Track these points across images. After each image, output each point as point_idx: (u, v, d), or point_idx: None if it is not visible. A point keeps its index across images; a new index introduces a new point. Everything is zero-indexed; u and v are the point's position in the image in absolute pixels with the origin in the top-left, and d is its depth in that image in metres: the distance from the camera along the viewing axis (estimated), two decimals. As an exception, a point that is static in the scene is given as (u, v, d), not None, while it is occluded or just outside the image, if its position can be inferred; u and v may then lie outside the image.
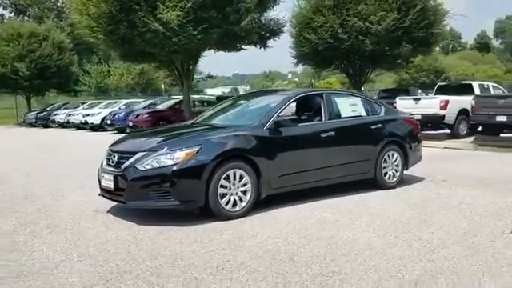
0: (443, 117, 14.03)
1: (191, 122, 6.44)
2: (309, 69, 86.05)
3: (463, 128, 14.42)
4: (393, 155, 6.35)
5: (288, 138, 5.30)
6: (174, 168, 4.54)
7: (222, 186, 4.72)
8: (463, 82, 17.71)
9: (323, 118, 5.81)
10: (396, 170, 6.40)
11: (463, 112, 14.12)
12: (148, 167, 4.62)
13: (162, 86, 42.73)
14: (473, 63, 60.00)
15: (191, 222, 4.65)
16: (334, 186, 5.85)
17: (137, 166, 4.67)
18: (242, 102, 6.49)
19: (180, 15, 12.91)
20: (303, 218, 4.84)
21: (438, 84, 17.21)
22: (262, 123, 5.20)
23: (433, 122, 14.35)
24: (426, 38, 17.80)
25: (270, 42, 16.63)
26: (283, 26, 17.27)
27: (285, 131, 5.27)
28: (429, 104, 14.29)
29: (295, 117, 5.42)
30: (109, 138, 17.37)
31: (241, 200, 4.87)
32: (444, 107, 13.97)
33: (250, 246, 3.96)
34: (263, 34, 15.76)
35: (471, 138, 13.43)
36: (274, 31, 16.20)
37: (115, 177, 4.80)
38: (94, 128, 21.11)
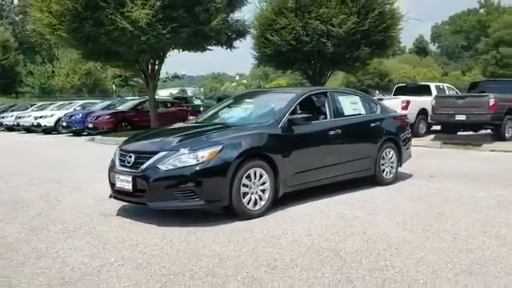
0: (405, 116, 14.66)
1: (194, 121, 6.35)
2: (257, 71, 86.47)
3: (422, 127, 15.15)
4: (389, 152, 6.59)
5: (300, 136, 5.36)
6: (199, 167, 4.46)
7: (243, 185, 4.69)
8: (421, 83, 18.60)
9: (328, 117, 5.92)
10: (392, 167, 6.65)
11: (423, 112, 14.82)
12: (171, 167, 4.51)
13: (114, 86, 41.34)
14: (412, 66, 62.97)
15: (211, 222, 4.60)
16: (334, 184, 5.94)
17: (158, 166, 4.54)
18: (247, 100, 6.48)
19: (149, 14, 12.58)
20: (322, 214, 4.92)
21: (396, 85, 17.95)
22: (277, 121, 5.22)
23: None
24: (383, 41, 18.50)
25: (236, 43, 16.60)
26: (249, 28, 17.31)
27: (297, 129, 5.32)
28: (390, 104, 14.87)
29: (308, 115, 5.48)
30: (68, 140, 16.83)
31: (260, 199, 4.87)
32: (405, 107, 14.57)
33: (287, 243, 3.97)
34: (230, 35, 15.71)
35: (431, 137, 14.14)
36: (241, 32, 16.21)
37: (134, 178, 4.64)
38: (47, 131, 20.09)
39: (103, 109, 18.81)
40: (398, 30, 19.52)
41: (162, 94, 52.75)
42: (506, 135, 13.14)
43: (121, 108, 17.92)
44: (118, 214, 5.13)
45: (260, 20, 18.95)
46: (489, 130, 13.85)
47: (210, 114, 6.35)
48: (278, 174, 5.00)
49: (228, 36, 15.47)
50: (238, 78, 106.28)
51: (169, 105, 18.57)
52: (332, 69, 20.19)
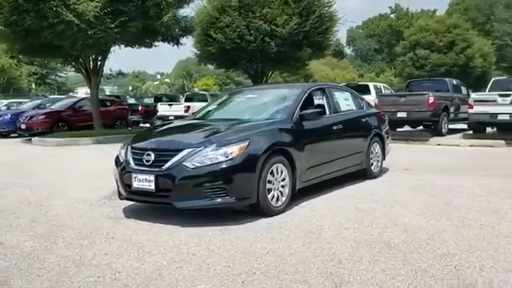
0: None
1: (193, 117, 6.13)
2: (180, 70, 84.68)
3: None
4: (376, 146, 6.87)
5: (310, 131, 5.39)
6: (229, 164, 4.32)
7: (268, 181, 4.63)
8: (361, 83, 19.51)
9: (328, 112, 6.02)
10: (378, 161, 6.93)
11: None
12: (198, 165, 4.32)
13: (33, 85, 38.34)
14: (331, 68, 65.76)
15: (231, 220, 4.48)
16: (324, 180, 5.94)
17: (185, 164, 4.33)
18: (249, 96, 6.36)
19: (97, 6, 11.90)
20: (342, 208, 4.99)
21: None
22: (290, 116, 5.22)
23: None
24: (322, 42, 19.17)
25: (183, 40, 16.22)
26: (196, 24, 17.00)
27: (306, 124, 5.34)
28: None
29: (318, 110, 5.54)
30: None
31: (281, 194, 4.83)
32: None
33: (332, 238, 3.97)
34: (177, 32, 15.32)
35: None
36: (188, 29, 15.86)
37: (156, 177, 4.37)
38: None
39: (34, 108, 17.41)
40: (334, 32, 20.34)
41: (82, 91, 50.06)
42: (443, 131, 14.26)
43: (56, 107, 16.69)
44: (127, 217, 4.81)
45: (202, 17, 18.72)
46: (421, 127, 14.97)
47: (208, 109, 6.17)
48: (295, 170, 5.00)
49: (175, 32, 15.08)
50: (159, 76, 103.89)
51: (108, 103, 17.65)
52: (274, 68, 20.49)
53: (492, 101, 12.76)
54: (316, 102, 6.03)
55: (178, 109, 19.89)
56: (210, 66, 27.13)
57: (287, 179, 4.89)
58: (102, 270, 3.32)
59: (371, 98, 14.90)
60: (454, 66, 34.46)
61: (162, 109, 20.38)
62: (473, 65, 35.09)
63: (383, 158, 7.14)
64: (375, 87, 17.44)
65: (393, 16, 78.41)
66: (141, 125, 22.14)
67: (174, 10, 13.72)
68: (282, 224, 4.40)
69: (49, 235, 4.25)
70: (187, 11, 16.82)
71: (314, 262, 3.38)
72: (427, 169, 7.66)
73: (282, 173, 4.81)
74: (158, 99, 24.11)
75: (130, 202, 5.27)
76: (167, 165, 4.38)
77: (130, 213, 4.97)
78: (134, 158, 4.67)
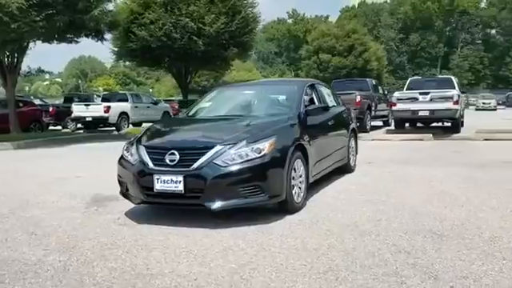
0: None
1: (186, 114, 5.81)
2: (74, 69, 79.30)
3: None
4: (352, 141, 7.12)
5: (314, 126, 5.39)
6: (262, 160, 4.17)
7: (292, 178, 4.58)
8: None
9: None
10: (353, 155, 7.20)
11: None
12: (230, 162, 4.11)
13: None
14: (237, 70, 66.64)
15: (251, 219, 4.32)
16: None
17: (216, 162, 4.10)
18: (247, 92, 6.16)
19: (21, -3, 10.74)
20: (353, 201, 5.08)
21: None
22: (298, 112, 5.19)
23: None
24: (247, 42, 19.39)
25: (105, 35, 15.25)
26: (120, 20, 16.09)
27: (310, 120, 5.36)
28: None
29: (322, 105, 5.58)
30: None
31: (300, 190, 4.79)
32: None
33: (375, 229, 4.00)
34: (103, 26, 14.37)
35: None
36: (113, 24, 14.96)
37: (185, 177, 4.08)
38: None
39: None
40: (257, 33, 20.68)
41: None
42: (367, 127, 15.26)
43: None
44: (139, 222, 4.42)
45: (123, 13, 17.82)
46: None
47: (204, 106, 5.89)
48: (308, 165, 5.00)
49: (102, 27, 14.16)
50: (48, 76, 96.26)
51: (21, 104, 15.96)
52: (201, 68, 20.25)
53: (413, 98, 13.94)
54: (311, 97, 6.08)
55: (96, 109, 18.69)
56: (122, 63, 25.78)
57: (303, 174, 4.87)
58: (176, 279, 3.03)
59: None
60: (353, 69, 37.01)
61: (78, 109, 18.98)
62: (370, 67, 38.00)
63: (356, 153, 7.43)
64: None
65: (290, 21, 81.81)
66: (51, 127, 20.46)
67: (103, 5, 12.84)
68: (313, 219, 4.36)
69: (66, 248, 3.75)
70: (110, 6, 15.85)
71: (383, 254, 3.39)
72: (386, 162, 8.13)
73: (300, 168, 4.78)
74: (68, 100, 22.39)
75: (128, 207, 4.91)
76: (197, 164, 4.11)
77: (136, 218, 4.58)
78: (152, 158, 4.31)
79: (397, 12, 79.10)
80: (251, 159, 4.16)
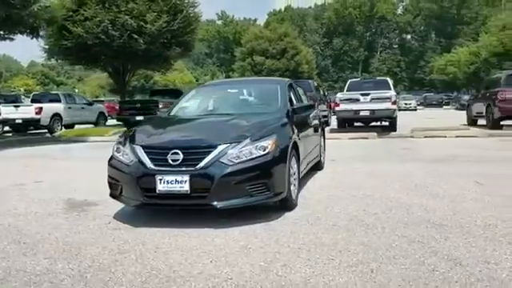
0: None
1: (168, 114, 5.60)
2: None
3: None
4: (322, 139, 7.29)
5: (299, 124, 5.45)
6: (267, 158, 4.16)
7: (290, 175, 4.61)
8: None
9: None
10: (323, 153, 7.38)
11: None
12: (236, 161, 4.06)
13: None
14: (179, 72, 65.43)
15: (251, 218, 4.34)
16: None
17: (223, 160, 4.03)
18: (231, 91, 6.04)
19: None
20: (342, 196, 5.22)
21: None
22: (287, 110, 5.22)
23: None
24: (189, 42, 19.13)
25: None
26: (58, 16, 15.14)
27: (296, 118, 5.40)
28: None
29: (308, 103, 5.64)
30: None
31: (294, 186, 4.82)
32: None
33: (386, 221, 4.14)
34: (39, 22, 13.46)
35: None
36: (51, 20, 14.05)
37: (191, 177, 3.96)
38: None
39: None
40: (198, 33, 20.48)
41: None
42: None
43: None
44: (135, 226, 4.22)
45: (58, 9, 16.78)
46: None
47: (187, 105, 5.72)
48: (299, 161, 5.06)
49: (39, 23, 13.28)
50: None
51: None
52: (141, 67, 19.62)
53: (355, 99, 14.58)
54: (290, 96, 6.13)
55: (27, 111, 17.42)
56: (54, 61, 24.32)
57: (297, 172, 4.92)
58: (212, 280, 2.94)
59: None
60: (286, 71, 37.83)
61: (6, 111, 17.55)
62: (301, 70, 39.09)
63: (324, 150, 7.62)
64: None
65: (220, 22, 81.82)
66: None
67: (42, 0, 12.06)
68: (313, 215, 4.40)
69: (70, 255, 3.52)
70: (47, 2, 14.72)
71: (401, 245, 3.51)
72: (348, 159, 8.42)
73: (294, 166, 4.83)
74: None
75: (111, 211, 4.76)
76: (202, 163, 4.01)
77: (129, 221, 4.37)
78: (152, 159, 4.13)
79: (321, 17, 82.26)
80: (256, 157, 4.14)
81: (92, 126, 19.64)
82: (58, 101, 18.48)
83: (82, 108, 19.64)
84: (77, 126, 19.49)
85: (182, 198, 4.04)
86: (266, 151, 4.19)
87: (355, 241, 3.66)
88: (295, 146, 4.88)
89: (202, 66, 73.39)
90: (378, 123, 15.83)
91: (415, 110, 38.54)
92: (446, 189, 5.50)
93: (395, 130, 14.69)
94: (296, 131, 5.09)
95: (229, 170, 4.01)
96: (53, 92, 25.23)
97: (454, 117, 21.58)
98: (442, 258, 3.23)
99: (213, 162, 4.02)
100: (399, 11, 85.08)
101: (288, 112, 5.21)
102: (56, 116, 17.95)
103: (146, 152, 4.20)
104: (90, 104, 20.57)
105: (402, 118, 21.53)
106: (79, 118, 19.53)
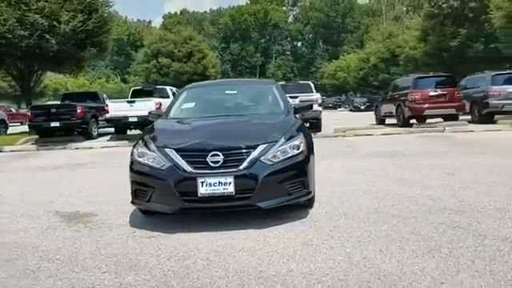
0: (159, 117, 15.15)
1: (167, 117, 5.28)
2: None
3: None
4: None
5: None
6: (302, 156, 4.18)
7: (311, 173, 4.68)
8: (158, 86, 19.17)
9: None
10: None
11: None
12: (275, 160, 4.03)
13: None
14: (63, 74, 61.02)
15: (265, 218, 4.40)
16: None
17: (263, 160, 3.98)
18: (228, 92, 5.81)
19: None
20: (349, 192, 5.44)
21: (133, 88, 17.95)
22: (293, 110, 5.27)
23: (150, 122, 15.34)
24: (104, 43, 18.13)
25: None
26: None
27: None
28: (144, 106, 15.02)
29: (309, 103, 5.72)
30: None
31: (313, 183, 4.88)
32: (159, 109, 15.13)
33: (398, 214, 4.43)
34: None
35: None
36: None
37: (235, 178, 3.85)
38: None
39: None
40: (112, 33, 19.47)
41: None
42: None
43: None
44: (166, 233, 4.00)
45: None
46: None
47: (187, 107, 5.45)
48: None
49: None
50: None
51: None
52: (53, 69, 18.06)
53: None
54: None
55: None
56: None
57: (312, 169, 4.99)
58: (306, 277, 2.92)
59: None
60: (193, 74, 37.57)
61: None
62: (208, 73, 39.12)
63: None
64: (171, 90, 17.59)
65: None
66: None
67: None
68: (338, 211, 4.52)
69: (127, 267, 3.25)
70: None
71: (445, 231, 3.76)
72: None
73: (313, 163, 4.90)
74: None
75: (120, 220, 4.53)
76: (244, 164, 3.92)
77: (155, 228, 4.13)
78: (190, 162, 3.93)
79: (217, 22, 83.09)
80: (292, 156, 4.14)
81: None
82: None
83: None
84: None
85: (226, 200, 3.91)
86: (300, 150, 4.22)
87: (403, 230, 3.85)
88: None
89: (93, 68, 69.47)
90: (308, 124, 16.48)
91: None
92: (429, 180, 5.96)
93: (320, 131, 15.43)
94: None
95: (271, 169, 3.97)
96: None
97: (356, 118, 23.18)
98: (494, 239, 3.53)
99: (254, 162, 3.96)
100: (290, 20, 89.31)
101: (290, 113, 5.28)
102: None
103: (181, 155, 3.98)
104: (-12, 110, 18.47)
105: (311, 121, 22.77)
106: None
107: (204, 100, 5.77)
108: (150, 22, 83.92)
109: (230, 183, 3.85)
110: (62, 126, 14.82)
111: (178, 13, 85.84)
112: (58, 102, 17.03)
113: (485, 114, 15.51)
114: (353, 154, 9.15)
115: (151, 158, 4.08)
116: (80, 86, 51.13)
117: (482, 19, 25.24)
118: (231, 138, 4.18)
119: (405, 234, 3.76)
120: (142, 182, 4.10)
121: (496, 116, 15.74)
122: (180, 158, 3.97)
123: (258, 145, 4.05)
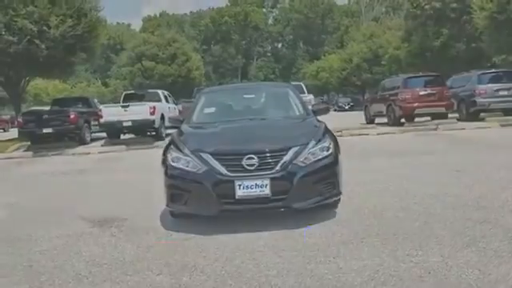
0: (154, 121, 15.15)
1: (189, 121, 5.32)
2: None
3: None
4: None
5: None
6: (332, 158, 4.29)
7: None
8: (150, 90, 19.03)
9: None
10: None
11: (163, 116, 15.74)
12: (308, 162, 4.13)
13: None
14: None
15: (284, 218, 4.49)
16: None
17: (296, 162, 4.08)
18: (246, 96, 5.90)
19: None
20: (362, 191, 5.57)
21: (125, 92, 17.82)
22: (309, 112, 5.39)
23: (144, 126, 15.38)
24: (94, 47, 17.98)
25: None
26: None
27: None
28: (138, 110, 14.95)
29: (327, 105, 5.85)
30: None
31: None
32: (153, 113, 15.09)
33: (425, 210, 4.59)
34: None
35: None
36: None
37: (271, 180, 3.95)
38: None
39: None
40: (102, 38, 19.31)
41: None
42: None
43: None
44: (203, 234, 4.07)
45: None
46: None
47: (209, 112, 5.52)
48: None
49: None
50: None
51: None
52: (41, 75, 17.81)
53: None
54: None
55: None
56: None
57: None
58: (371, 273, 3.04)
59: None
60: (178, 77, 37.46)
61: None
62: (193, 76, 39.03)
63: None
64: (163, 94, 17.50)
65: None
66: None
67: None
68: (365, 209, 4.66)
69: (184, 268, 3.30)
70: None
71: (478, 225, 3.94)
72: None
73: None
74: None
75: (147, 223, 4.61)
76: (279, 166, 4.02)
77: (189, 230, 4.19)
78: (226, 165, 4.01)
79: (198, 24, 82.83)
80: (323, 158, 4.25)
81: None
82: None
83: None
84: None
85: (262, 202, 4.01)
86: (330, 151, 4.33)
87: (435, 227, 4.00)
88: None
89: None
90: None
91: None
92: (441, 177, 6.16)
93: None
94: None
95: (305, 170, 4.08)
96: None
97: (342, 117, 23.37)
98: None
99: (288, 164, 4.06)
100: (270, 21, 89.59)
101: (311, 114, 5.40)
102: None
103: (216, 159, 4.05)
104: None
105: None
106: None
107: (224, 104, 5.85)
108: (129, 25, 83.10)
109: (266, 185, 3.95)
110: (54, 132, 14.63)
111: (158, 15, 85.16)
112: (48, 108, 16.84)
113: (472, 112, 15.94)
114: (358, 154, 9.30)
115: (186, 162, 4.14)
116: (61, 91, 50.25)
117: (463, 19, 25.88)
118: (263, 142, 4.26)
119: (438, 230, 3.90)
120: (179, 185, 4.16)
121: (482, 114, 16.21)
122: (216, 161, 4.04)
123: (291, 147, 4.15)
